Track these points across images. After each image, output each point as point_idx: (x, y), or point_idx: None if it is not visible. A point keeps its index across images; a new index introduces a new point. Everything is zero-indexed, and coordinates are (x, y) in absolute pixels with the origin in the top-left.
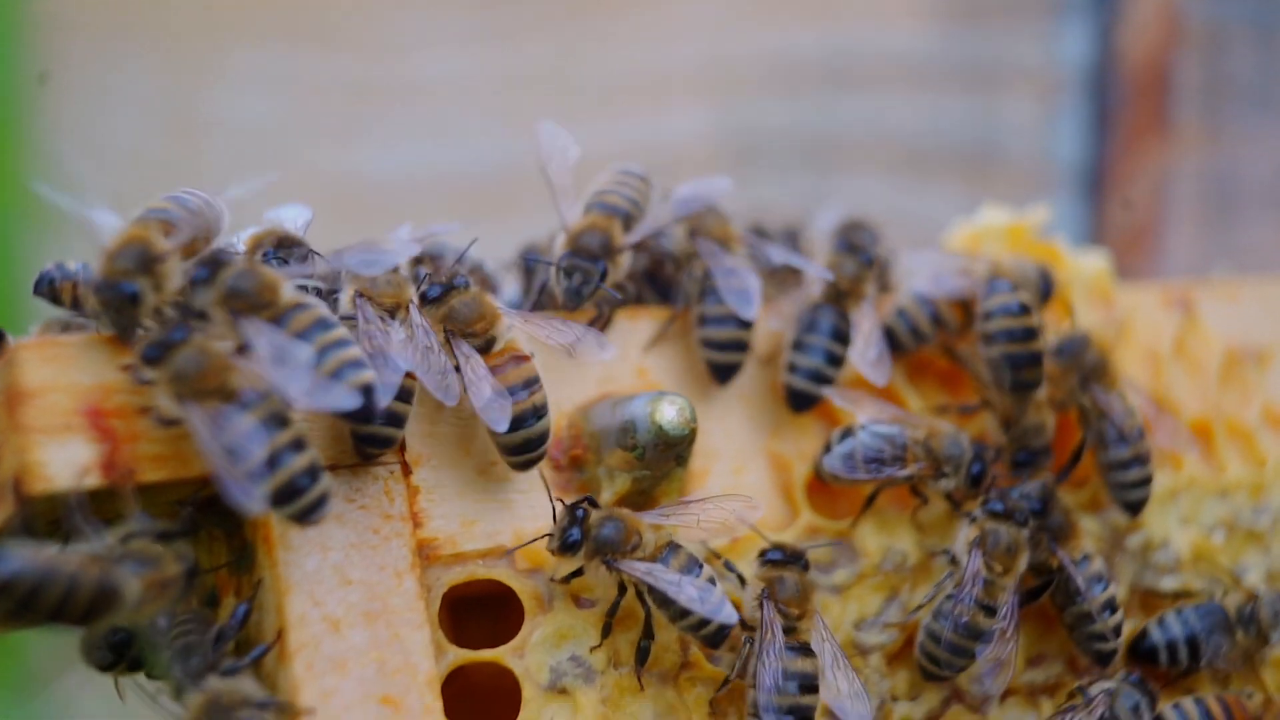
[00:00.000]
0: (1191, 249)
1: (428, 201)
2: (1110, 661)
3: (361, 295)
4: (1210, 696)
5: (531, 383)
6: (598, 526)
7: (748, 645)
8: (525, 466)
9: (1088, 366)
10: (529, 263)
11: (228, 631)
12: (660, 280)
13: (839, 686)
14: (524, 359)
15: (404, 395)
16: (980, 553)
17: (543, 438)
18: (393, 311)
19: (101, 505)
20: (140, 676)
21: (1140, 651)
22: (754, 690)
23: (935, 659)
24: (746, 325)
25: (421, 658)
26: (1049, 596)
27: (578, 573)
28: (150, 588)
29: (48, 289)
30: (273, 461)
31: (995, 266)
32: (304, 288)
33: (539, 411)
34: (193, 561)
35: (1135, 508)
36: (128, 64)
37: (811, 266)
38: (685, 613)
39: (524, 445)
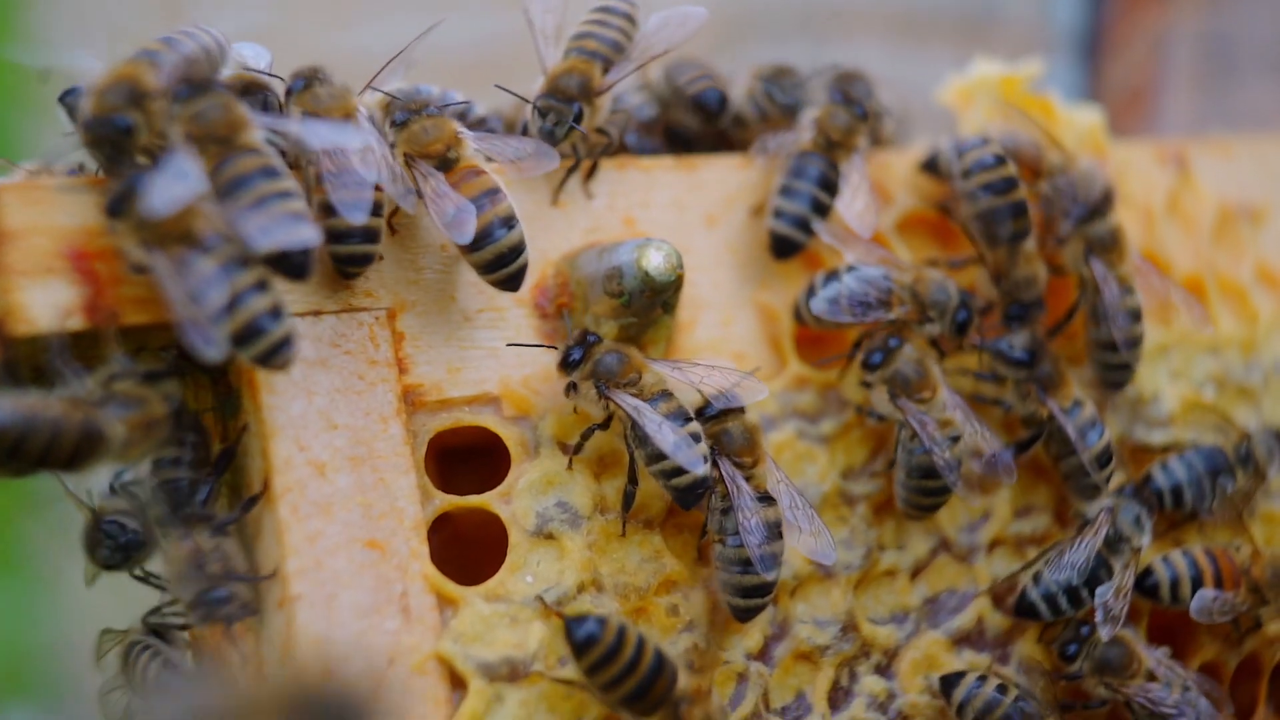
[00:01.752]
0: (1188, 112)
1: (427, 77)
2: None
3: (307, 113)
4: (1198, 548)
5: (493, 192)
6: (602, 353)
7: (714, 499)
8: (507, 285)
9: (1095, 238)
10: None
11: (213, 473)
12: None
13: (800, 526)
14: (481, 172)
15: (375, 209)
16: (905, 399)
17: (516, 250)
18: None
19: (87, 352)
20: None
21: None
22: (721, 545)
23: (921, 505)
24: (715, 117)
25: (408, 502)
26: (1044, 448)
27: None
28: (135, 429)
29: (70, 101)
30: (233, 303)
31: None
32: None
33: (507, 222)
34: (179, 401)
35: (1116, 387)
36: None
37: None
38: (660, 456)
39: (496, 260)
